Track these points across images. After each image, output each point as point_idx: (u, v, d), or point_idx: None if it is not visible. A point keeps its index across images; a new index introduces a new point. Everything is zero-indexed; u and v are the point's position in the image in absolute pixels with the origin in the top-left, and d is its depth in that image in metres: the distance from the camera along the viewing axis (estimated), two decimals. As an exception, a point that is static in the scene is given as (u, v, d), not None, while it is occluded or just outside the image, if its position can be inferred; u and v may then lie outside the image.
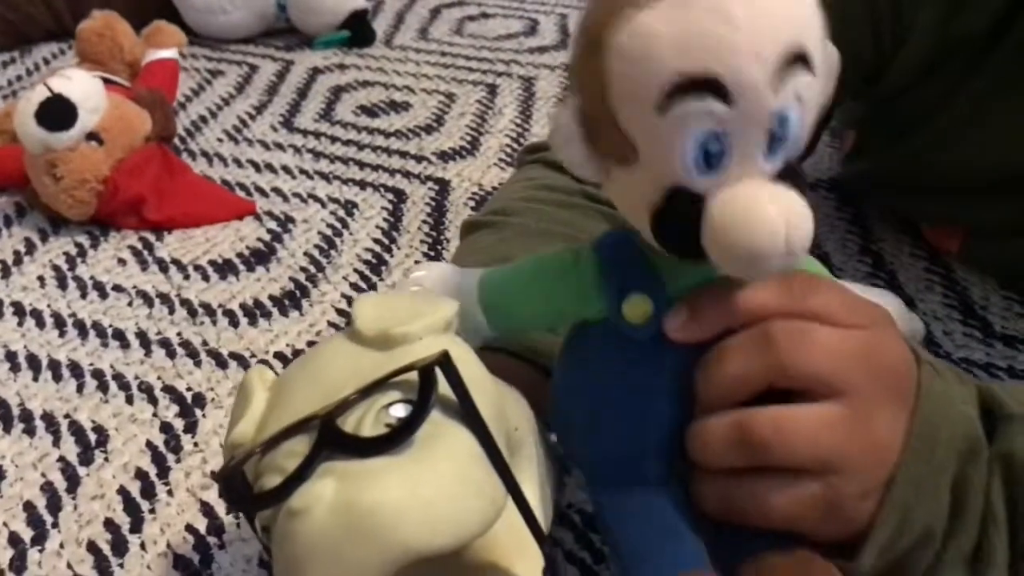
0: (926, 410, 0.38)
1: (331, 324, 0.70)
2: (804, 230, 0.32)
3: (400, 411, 0.35)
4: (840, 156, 0.85)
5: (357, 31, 1.26)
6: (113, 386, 0.64)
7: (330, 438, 0.34)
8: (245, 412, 0.39)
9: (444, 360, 0.35)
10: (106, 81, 0.86)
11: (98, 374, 0.65)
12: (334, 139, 1.00)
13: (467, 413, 0.36)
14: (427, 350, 0.37)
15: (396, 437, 0.34)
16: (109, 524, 0.53)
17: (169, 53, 0.96)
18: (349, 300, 0.73)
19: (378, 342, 0.38)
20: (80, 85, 0.79)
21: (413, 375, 0.36)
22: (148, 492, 0.55)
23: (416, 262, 0.78)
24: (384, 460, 0.34)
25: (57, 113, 0.78)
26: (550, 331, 0.52)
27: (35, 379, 0.65)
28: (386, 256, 0.79)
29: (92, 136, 0.80)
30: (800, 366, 0.36)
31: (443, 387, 0.35)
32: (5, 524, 0.54)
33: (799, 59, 0.32)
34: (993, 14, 0.57)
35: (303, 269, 0.77)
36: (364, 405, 0.36)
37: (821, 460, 0.36)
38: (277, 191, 0.90)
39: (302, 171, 0.93)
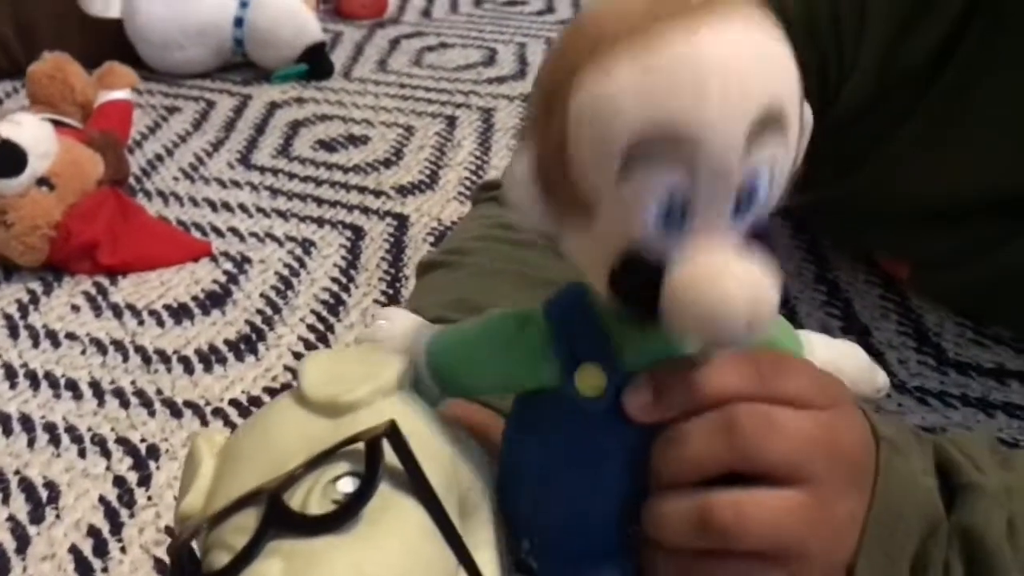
0: (886, 491, 0.37)
1: (287, 368, 0.69)
2: (768, 305, 0.30)
3: (348, 485, 0.35)
4: (791, 187, 0.86)
5: (315, 64, 1.26)
6: (65, 439, 0.63)
7: (276, 516, 0.34)
8: (193, 482, 0.38)
9: (391, 431, 0.35)
10: (57, 123, 0.85)
11: (50, 427, 0.64)
12: (292, 175, 1.00)
13: (417, 486, 0.35)
14: (376, 416, 0.37)
15: (342, 515, 0.34)
16: (60, 585, 0.52)
17: (122, 94, 0.95)
18: (306, 343, 0.73)
19: (326, 409, 0.38)
20: (29, 130, 0.78)
21: (362, 446, 0.35)
22: (101, 550, 0.54)
23: (375, 301, 0.78)
24: (331, 539, 0.33)
25: (6, 160, 0.77)
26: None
27: (-15, 434, 0.64)
28: (343, 295, 0.78)
29: (43, 181, 0.79)
30: (764, 454, 0.35)
31: (392, 457, 0.35)
32: (-48, 588, 0.53)
33: (774, 122, 0.30)
34: (930, 53, 0.58)
35: (259, 311, 0.76)
36: (311, 478, 0.35)
37: (783, 547, 0.36)
38: (233, 231, 0.89)
39: (259, 209, 0.93)
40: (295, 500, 0.34)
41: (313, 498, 0.34)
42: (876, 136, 0.63)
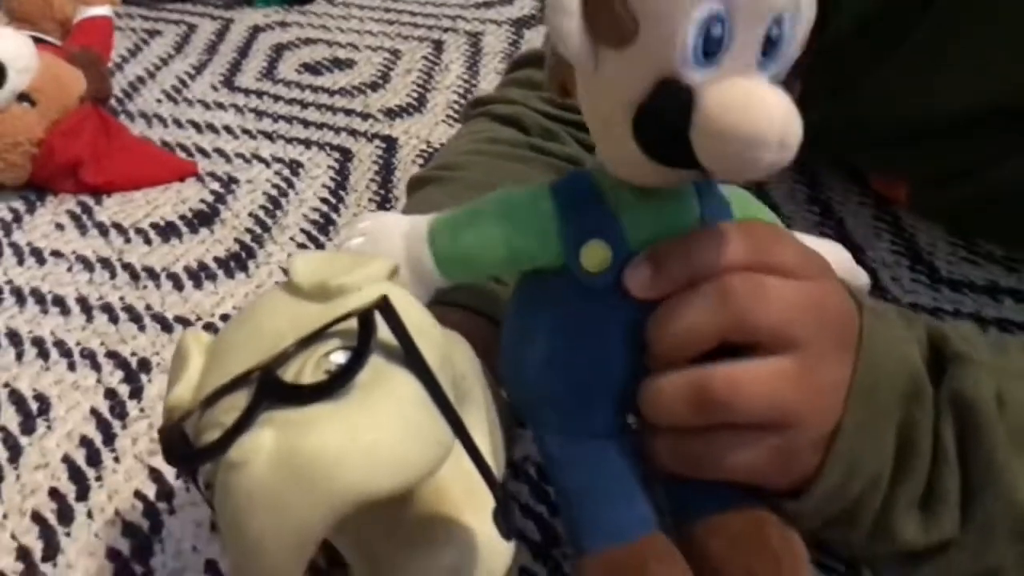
0: (867, 356, 0.38)
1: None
2: (797, 127, 0.31)
3: (340, 358, 0.34)
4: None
5: (298, -12, 1.23)
6: (54, 353, 0.62)
7: (269, 389, 0.33)
8: (181, 375, 0.38)
9: (383, 304, 0.34)
10: (37, 40, 0.83)
11: (38, 341, 0.63)
12: (277, 98, 0.98)
13: (409, 356, 0.35)
14: (367, 298, 0.37)
15: (335, 383, 0.33)
16: (54, 494, 0.52)
17: (102, 10, 0.93)
18: (297, 260, 0.72)
19: (316, 294, 0.37)
20: (9, 44, 0.76)
21: (354, 323, 0.35)
22: (94, 460, 0.54)
23: (364, 221, 0.77)
24: (324, 407, 0.33)
25: (-15, 73, 0.75)
26: (498, 281, 0.51)
27: (-28, 348, 0.63)
28: (333, 215, 0.77)
29: (24, 97, 0.77)
30: (757, 321, 0.36)
31: (385, 332, 0.34)
32: (-55, 497, 0.52)
33: None
34: None
35: (248, 230, 0.75)
36: (304, 355, 0.35)
37: (778, 415, 0.37)
38: (219, 151, 0.87)
39: (244, 131, 0.91)
40: (288, 375, 0.34)
41: (306, 372, 0.34)
42: (875, 53, 0.63)
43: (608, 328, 0.38)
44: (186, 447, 0.35)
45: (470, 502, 0.39)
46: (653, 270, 0.36)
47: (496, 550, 0.38)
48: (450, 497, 0.40)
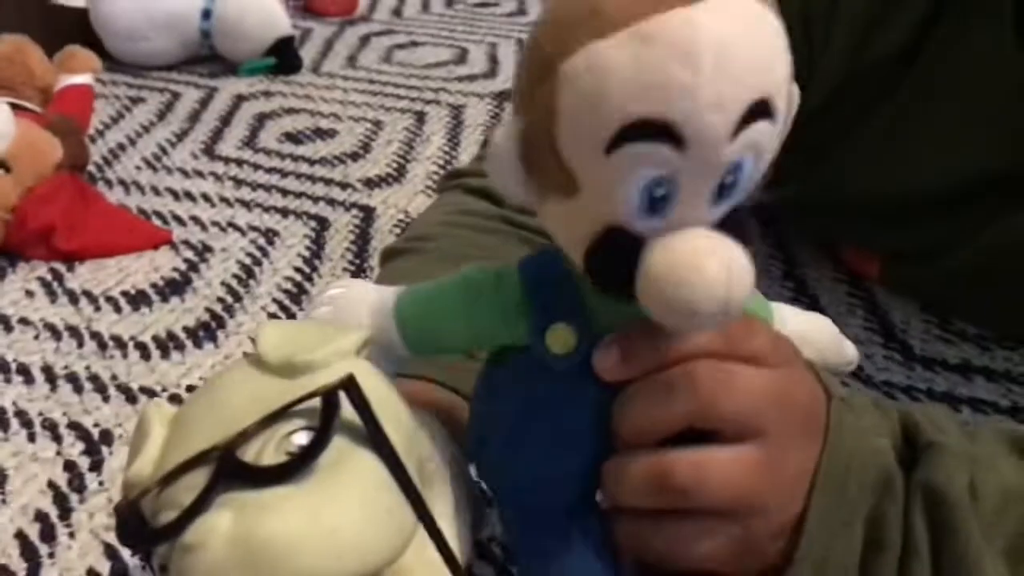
0: (835, 445, 0.37)
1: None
2: (744, 286, 0.30)
3: (303, 439, 0.34)
4: (761, 181, 0.86)
5: (283, 58, 1.24)
6: (15, 423, 0.61)
7: (228, 469, 0.33)
8: (142, 449, 0.37)
9: (348, 383, 0.34)
10: (16, 107, 0.83)
11: (-1, 411, 0.62)
12: (257, 167, 0.98)
13: (373, 437, 0.34)
14: (333, 376, 0.36)
15: (295, 465, 0.33)
16: (4, 571, 0.50)
17: (83, 79, 0.94)
18: (267, 331, 0.71)
19: (282, 370, 0.37)
20: (-14, 111, 0.76)
21: (317, 402, 0.34)
22: (48, 535, 0.53)
23: (338, 291, 0.76)
24: (284, 490, 0.32)
25: (-40, 140, 0.75)
26: (468, 357, 0.50)
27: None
28: (307, 285, 0.77)
29: (-1, 164, 0.77)
30: (723, 409, 0.35)
31: (349, 413, 0.34)
32: None
33: (762, 109, 0.30)
34: (900, 44, 0.58)
35: (220, 299, 0.75)
36: (265, 435, 0.34)
37: (741, 503, 0.36)
38: (195, 220, 0.87)
39: (222, 199, 0.91)
40: (248, 455, 0.33)
41: (267, 453, 0.33)
42: (847, 126, 0.63)
43: (574, 409, 0.38)
44: (141, 527, 0.34)
45: None
46: (621, 354, 0.36)
47: None
48: None
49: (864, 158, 0.64)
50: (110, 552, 0.51)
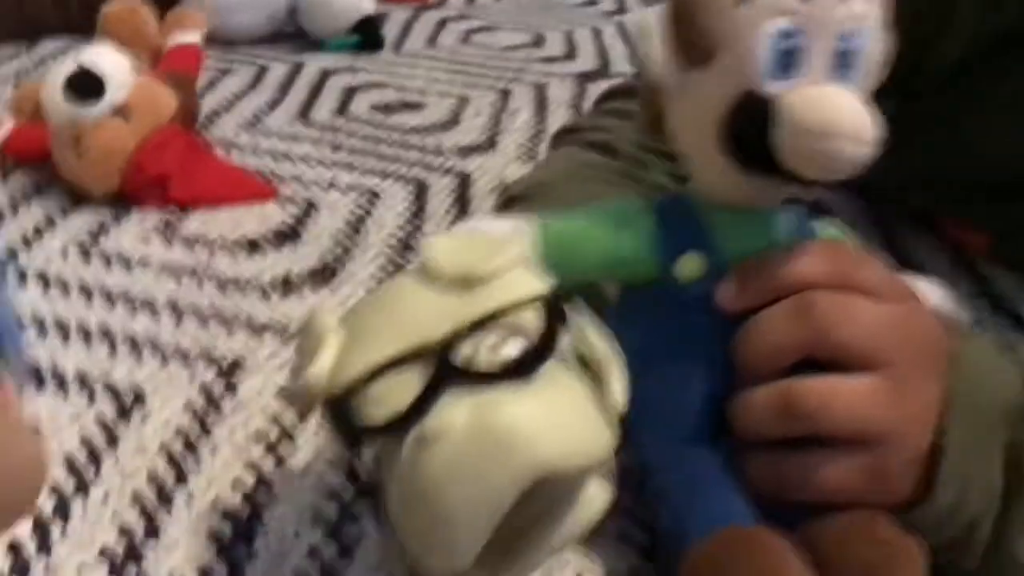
0: (966, 375, 0.38)
1: (365, 299, 0.69)
2: (870, 125, 0.35)
3: (512, 348, 0.35)
4: (877, 150, 0.86)
5: (367, 36, 1.26)
6: (146, 351, 0.63)
7: (450, 370, 0.35)
8: (319, 351, 0.38)
9: (554, 301, 0.36)
10: (130, 63, 0.85)
11: (130, 339, 0.64)
12: (351, 133, 1.00)
13: (587, 349, 0.37)
14: (508, 286, 0.37)
15: (523, 369, 0.34)
16: (153, 479, 0.52)
17: (192, 37, 0.96)
18: (380, 280, 0.73)
19: (459, 281, 0.38)
20: (109, 59, 0.79)
21: (520, 313, 0.36)
22: (191, 448, 0.54)
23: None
24: (509, 389, 0.34)
25: (85, 85, 0.77)
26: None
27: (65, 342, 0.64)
28: (412, 241, 0.79)
29: (118, 112, 0.79)
30: (840, 337, 0.37)
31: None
32: (44, 477, 0.52)
33: None
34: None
35: (330, 251, 0.76)
36: (472, 342, 0.36)
37: (867, 431, 0.37)
38: (297, 179, 0.89)
39: (320, 162, 0.93)
40: (459, 360, 0.35)
41: (480, 359, 0.35)
42: (961, 104, 0.64)
43: (702, 340, 0.40)
44: (354, 421, 0.36)
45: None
46: (739, 283, 0.38)
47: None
48: None
49: (978, 136, 0.64)
50: (251, 465, 0.53)
